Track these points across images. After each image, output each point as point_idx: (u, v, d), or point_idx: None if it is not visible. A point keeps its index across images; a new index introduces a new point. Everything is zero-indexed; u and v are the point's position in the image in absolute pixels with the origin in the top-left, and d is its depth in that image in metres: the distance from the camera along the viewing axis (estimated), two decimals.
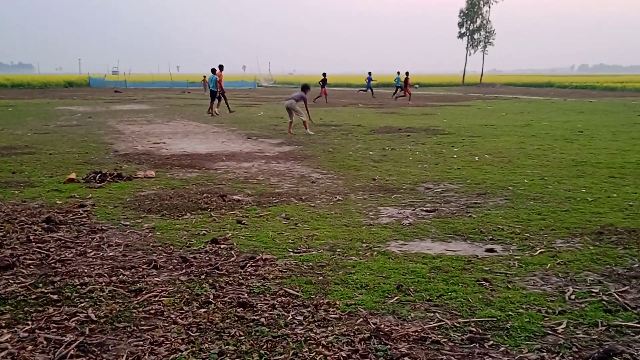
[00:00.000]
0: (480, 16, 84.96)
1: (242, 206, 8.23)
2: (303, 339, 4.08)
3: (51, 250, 6.12)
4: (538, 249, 6.23)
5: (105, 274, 5.37)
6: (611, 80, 71.17)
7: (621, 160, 12.35)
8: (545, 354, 3.88)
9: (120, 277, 5.32)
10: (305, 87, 19.00)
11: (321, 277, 5.34)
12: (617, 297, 4.88)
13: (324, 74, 40.84)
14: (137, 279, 5.28)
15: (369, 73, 46.20)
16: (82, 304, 4.66)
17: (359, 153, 13.79)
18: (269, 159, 12.97)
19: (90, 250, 6.12)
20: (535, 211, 7.86)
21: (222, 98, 27.14)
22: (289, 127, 18.57)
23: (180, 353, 3.86)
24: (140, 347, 3.95)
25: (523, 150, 14.18)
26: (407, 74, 40.59)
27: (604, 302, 4.76)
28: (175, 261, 5.81)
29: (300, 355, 3.84)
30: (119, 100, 39.29)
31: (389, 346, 3.98)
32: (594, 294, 4.95)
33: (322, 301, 4.76)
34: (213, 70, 27.36)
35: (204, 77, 60.66)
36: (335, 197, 8.84)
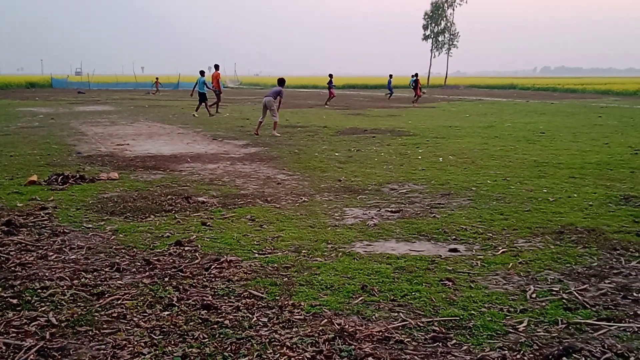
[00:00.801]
0: (445, 19, 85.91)
1: (207, 208, 8.19)
2: (267, 340, 4.07)
3: (11, 253, 6.00)
4: (500, 248, 6.32)
5: (66, 278, 5.29)
6: (572, 83, 72.44)
7: (581, 160, 12.58)
8: (506, 352, 3.94)
9: (82, 280, 5.24)
10: (281, 81, 18.98)
11: (286, 279, 5.34)
12: (577, 295, 4.97)
13: (330, 75, 38.16)
14: (99, 282, 5.21)
15: (390, 76, 45.43)
16: (43, 308, 4.59)
17: (325, 154, 13.82)
18: (234, 161, 12.91)
19: (51, 254, 6.02)
20: (498, 211, 7.97)
21: (217, 97, 28.11)
22: (257, 127, 18.56)
23: (143, 356, 3.82)
24: (102, 351, 3.90)
25: (486, 151, 14.36)
26: (416, 75, 39.99)
27: (564, 301, 4.85)
28: (139, 264, 5.75)
29: (265, 356, 3.84)
30: (82, 102, 38.70)
31: (353, 346, 4.00)
32: (554, 293, 5.04)
33: (286, 302, 4.75)
34: (202, 72, 27.59)
35: (156, 78, 60.51)
36: (301, 199, 8.84)
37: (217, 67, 28.20)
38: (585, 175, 10.76)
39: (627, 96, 49.84)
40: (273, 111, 18.49)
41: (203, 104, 26.51)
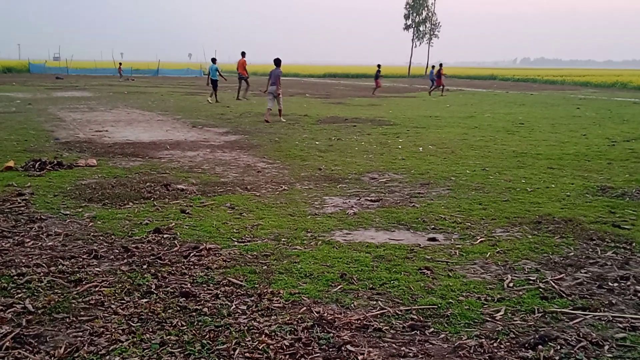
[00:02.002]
0: (426, 8, 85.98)
1: (186, 195, 8.15)
2: (246, 328, 4.07)
3: None
4: (479, 238, 6.37)
5: (43, 264, 5.25)
6: (551, 74, 72.86)
7: (560, 151, 12.70)
8: (484, 340, 3.97)
9: (59, 267, 5.20)
10: (277, 62, 18.97)
11: (265, 267, 5.34)
12: (554, 284, 5.03)
13: (379, 66, 37.53)
14: (76, 269, 5.17)
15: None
16: (19, 295, 4.55)
17: (305, 143, 13.80)
18: (214, 148, 12.86)
19: (28, 240, 5.96)
20: (477, 201, 8.02)
21: (246, 83, 29.02)
22: (266, 115, 18.80)
23: (120, 344, 3.81)
24: (79, 338, 3.88)
25: (466, 141, 14.43)
26: (440, 65, 38.14)
27: (540, 290, 4.91)
28: (117, 251, 5.72)
29: (243, 344, 3.84)
30: (60, 87, 38.25)
31: (331, 334, 4.01)
32: (531, 282, 5.09)
33: (266, 290, 4.75)
34: (213, 60, 28.06)
35: (119, 64, 60.29)
36: (281, 187, 8.83)
37: (243, 54, 28.78)
38: (563, 166, 10.86)
39: (605, 88, 50.36)
40: (279, 98, 18.81)
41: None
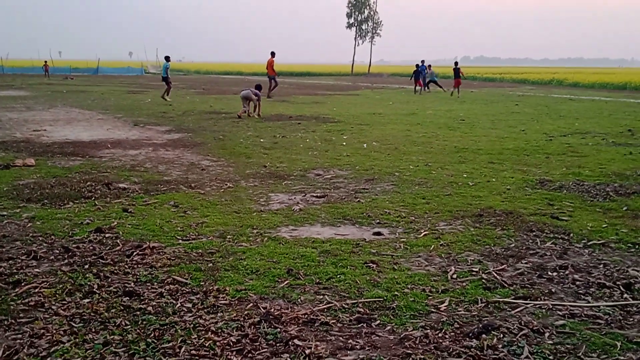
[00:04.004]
0: (368, 7, 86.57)
1: (128, 194, 8.00)
2: (192, 325, 4.03)
3: None
4: (422, 231, 6.45)
5: None
6: (491, 72, 74.34)
7: (500, 147, 12.97)
8: (429, 331, 4.03)
9: None
10: (258, 87, 20.11)
11: (211, 264, 5.29)
12: (496, 275, 5.14)
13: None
14: (15, 271, 5.02)
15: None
16: None
17: (250, 140, 13.72)
18: (157, 147, 12.66)
19: None
20: (420, 195, 8.13)
21: (274, 82, 29.60)
22: (241, 112, 19.35)
23: (62, 345, 3.71)
24: (18, 341, 3.76)
25: (409, 137, 14.59)
26: (456, 64, 35.17)
27: (483, 280, 5.00)
28: (57, 251, 5.57)
29: (189, 342, 3.79)
30: None
31: (278, 329, 4.00)
32: (474, 273, 5.19)
33: (211, 288, 4.71)
34: (167, 58, 28.13)
35: (45, 62, 58.92)
36: (226, 184, 8.76)
37: (272, 54, 29.98)
38: (503, 161, 11.11)
39: (542, 85, 51.75)
40: (254, 100, 19.52)
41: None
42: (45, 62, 59.91)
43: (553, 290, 4.84)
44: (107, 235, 6.10)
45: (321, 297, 4.62)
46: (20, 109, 21.50)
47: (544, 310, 4.42)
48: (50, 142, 13.00)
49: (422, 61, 38.51)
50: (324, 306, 4.42)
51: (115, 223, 6.54)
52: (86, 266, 5.17)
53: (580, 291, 4.82)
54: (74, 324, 4.01)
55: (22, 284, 4.72)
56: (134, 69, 75.10)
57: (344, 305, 4.45)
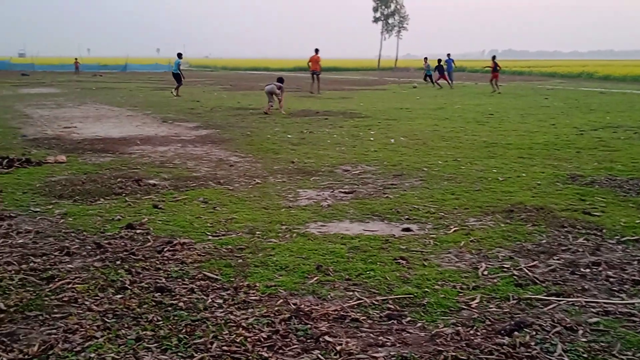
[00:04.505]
0: (394, 1, 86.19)
1: (158, 190, 8.07)
2: (223, 321, 4.05)
3: None
4: (452, 227, 6.40)
5: (14, 262, 5.16)
6: (519, 65, 73.57)
7: (529, 141, 12.83)
8: (460, 328, 4.00)
9: (30, 264, 5.12)
10: (280, 80, 20.00)
11: (241, 260, 5.31)
12: (527, 271, 5.08)
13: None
14: (48, 267, 5.09)
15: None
16: None
17: (278, 136, 13.76)
18: (185, 143, 12.75)
19: None
20: (449, 191, 8.07)
21: (317, 79, 30.02)
22: (266, 108, 19.39)
23: (95, 340, 3.75)
24: (53, 336, 3.82)
25: (437, 132, 14.51)
26: (493, 58, 32.65)
27: (514, 277, 4.95)
28: (89, 247, 5.64)
29: (220, 337, 3.81)
30: (26, 84, 37.64)
31: (309, 326, 4.01)
32: (505, 269, 5.14)
33: (242, 284, 4.73)
34: (179, 55, 28.54)
35: (76, 59, 59.53)
36: (254, 180, 8.79)
37: (317, 50, 30.25)
38: (534, 156, 10.99)
39: (572, 78, 51.00)
40: (278, 95, 19.50)
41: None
42: (76, 59, 60.78)
43: (586, 287, 4.77)
44: (138, 231, 6.16)
45: (351, 293, 4.61)
46: (51, 106, 21.82)
47: (577, 308, 4.36)
48: (81, 139, 13.17)
49: (448, 54, 38.23)
50: (354, 302, 4.42)
51: (146, 219, 6.60)
52: (118, 262, 5.23)
53: (614, 288, 4.75)
54: (106, 320, 4.06)
55: (56, 280, 4.78)
56: (161, 65, 75.72)
57: (374, 301, 4.43)
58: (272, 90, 19.44)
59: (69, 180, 8.65)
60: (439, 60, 36.88)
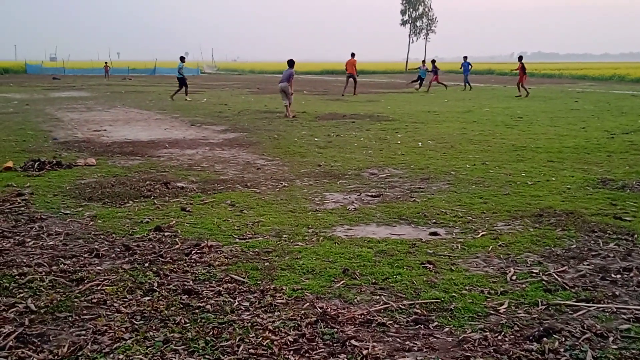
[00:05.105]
0: (422, 4, 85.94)
1: (186, 193, 8.13)
2: (250, 324, 4.06)
3: None
4: (480, 231, 6.35)
5: (45, 264, 5.23)
6: (549, 68, 72.76)
7: (559, 145, 12.68)
8: (488, 333, 3.96)
9: (60, 266, 5.19)
10: (291, 63, 19.51)
11: (267, 263, 5.33)
12: (556, 277, 5.02)
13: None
14: (78, 268, 5.16)
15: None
16: (21, 295, 4.53)
17: (304, 139, 13.78)
18: (213, 146, 12.84)
19: (29, 240, 5.95)
20: (477, 195, 8.01)
21: (354, 81, 31.32)
22: (286, 112, 19.15)
23: (124, 342, 3.79)
24: (82, 337, 3.86)
25: (465, 135, 14.41)
26: (520, 58, 30.94)
27: (543, 282, 4.89)
28: (118, 249, 5.70)
29: (247, 340, 3.83)
30: (57, 87, 38.21)
31: (335, 329, 4.00)
32: (534, 275, 5.08)
33: (268, 287, 4.74)
34: (182, 58, 28.13)
35: (105, 63, 60.14)
36: (281, 184, 8.82)
37: (353, 55, 31.31)
38: (563, 159, 10.85)
39: (603, 81, 50.27)
40: (289, 95, 19.22)
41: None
42: (106, 63, 61.46)
43: (617, 293, 4.70)
44: (166, 233, 6.22)
45: (377, 297, 4.60)
46: (80, 109, 22.12)
47: (607, 314, 4.30)
48: (110, 142, 13.33)
49: (465, 57, 38.53)
50: (381, 307, 4.40)
51: (174, 222, 6.66)
52: (146, 264, 5.28)
53: None
54: (135, 321, 4.10)
55: (85, 282, 4.85)
56: (190, 69, 76.19)
57: (400, 306, 4.42)
58: (285, 88, 19.13)
59: (99, 182, 8.75)
60: (433, 61, 37.58)
